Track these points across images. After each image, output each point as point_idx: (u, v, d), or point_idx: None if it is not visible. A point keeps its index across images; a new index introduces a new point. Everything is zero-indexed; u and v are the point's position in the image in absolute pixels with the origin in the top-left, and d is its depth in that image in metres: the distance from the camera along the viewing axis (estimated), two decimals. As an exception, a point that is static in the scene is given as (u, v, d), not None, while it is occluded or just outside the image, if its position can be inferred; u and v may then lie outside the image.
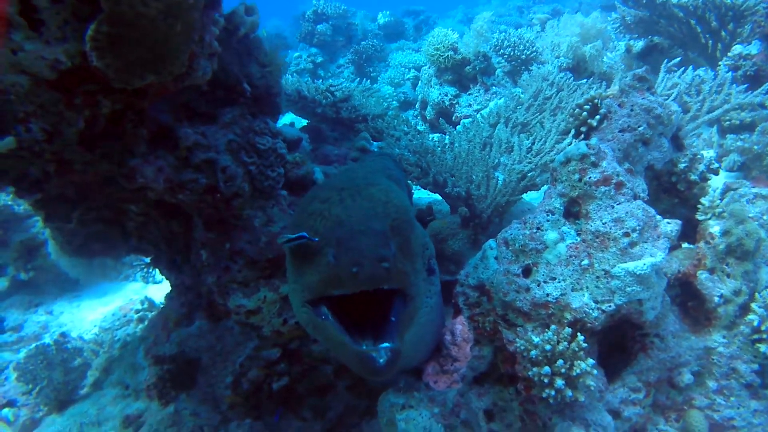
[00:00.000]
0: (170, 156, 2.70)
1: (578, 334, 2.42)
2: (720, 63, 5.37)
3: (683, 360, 2.79)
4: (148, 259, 4.23)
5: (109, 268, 4.48)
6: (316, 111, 5.26)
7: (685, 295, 2.96)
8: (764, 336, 2.70)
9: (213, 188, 2.83)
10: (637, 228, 2.52)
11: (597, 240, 2.58)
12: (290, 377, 3.32)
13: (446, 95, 7.69)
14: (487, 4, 17.21)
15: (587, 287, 2.53)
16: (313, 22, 13.22)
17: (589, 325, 2.52)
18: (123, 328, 5.41)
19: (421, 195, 5.32)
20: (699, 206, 2.99)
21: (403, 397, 2.85)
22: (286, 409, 3.43)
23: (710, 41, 5.89)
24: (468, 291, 2.93)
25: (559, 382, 2.36)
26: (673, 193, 3.21)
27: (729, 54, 5.39)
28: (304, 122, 5.79)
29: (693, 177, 3.12)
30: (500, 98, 6.88)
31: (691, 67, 4.71)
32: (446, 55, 7.62)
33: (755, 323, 2.72)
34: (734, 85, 4.51)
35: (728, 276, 2.80)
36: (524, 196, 4.18)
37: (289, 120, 5.95)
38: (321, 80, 5.65)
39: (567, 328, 2.45)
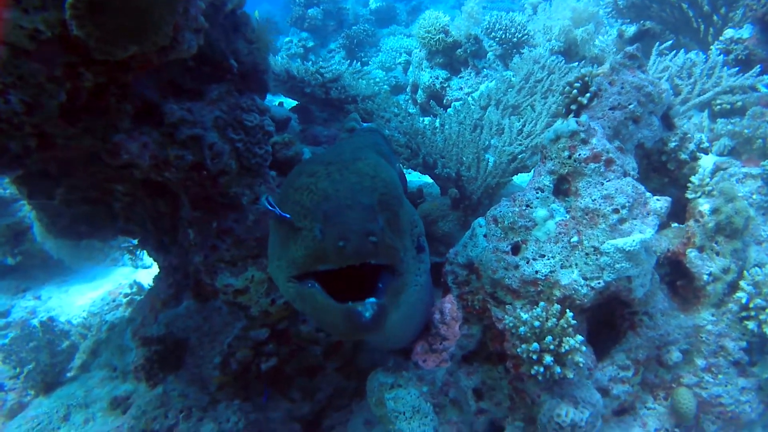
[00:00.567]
0: (155, 132, 2.65)
1: (567, 310, 2.41)
2: (712, 47, 5.35)
3: (672, 338, 2.79)
4: (135, 241, 4.19)
5: (96, 250, 4.43)
6: (305, 91, 5.20)
7: (675, 274, 2.97)
8: (752, 313, 2.70)
9: (199, 165, 2.78)
10: (627, 204, 2.51)
11: (586, 217, 2.57)
12: (279, 358, 3.31)
13: (437, 78, 7.65)
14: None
15: (576, 264, 2.53)
16: (304, 6, 13.10)
17: (578, 302, 2.51)
18: (112, 312, 5.37)
19: (412, 178, 5.30)
20: (689, 185, 2.98)
21: (392, 377, 2.85)
22: (274, 390, 3.42)
23: (702, 25, 5.86)
24: (457, 269, 2.92)
25: (548, 358, 2.35)
26: (663, 172, 3.20)
27: (721, 38, 5.36)
28: (294, 103, 5.73)
29: (683, 156, 3.11)
30: (491, 81, 6.86)
31: (683, 50, 4.69)
32: (437, 37, 7.57)
33: (743, 301, 2.73)
34: (725, 68, 4.50)
35: (717, 254, 2.80)
36: (515, 178, 4.17)
37: (278, 101, 5.88)
38: (311, 63, 5.58)
39: (556, 305, 2.44)
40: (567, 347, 2.35)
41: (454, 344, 2.89)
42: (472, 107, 4.77)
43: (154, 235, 3.50)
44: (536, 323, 2.40)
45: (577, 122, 2.65)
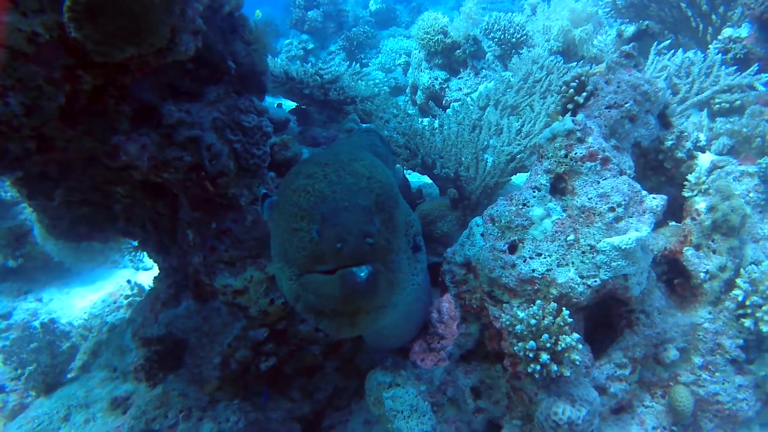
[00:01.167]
0: (154, 133, 2.67)
1: (564, 309, 2.42)
2: (710, 46, 5.36)
3: (669, 336, 2.80)
4: (136, 243, 4.20)
5: (96, 252, 4.44)
6: (303, 92, 5.21)
7: (672, 272, 2.97)
8: (749, 311, 2.71)
9: (198, 166, 2.80)
10: (623, 203, 2.52)
11: (583, 215, 2.58)
12: (278, 358, 3.32)
13: (436, 79, 7.65)
14: (479, -10, 17.09)
15: (573, 263, 2.54)
16: (304, 9, 13.10)
17: (574, 300, 2.52)
18: (112, 314, 5.39)
19: (411, 179, 5.30)
20: (685, 183, 2.99)
21: (390, 375, 2.86)
22: (274, 390, 3.43)
23: (701, 25, 5.87)
24: (455, 268, 2.93)
25: (545, 356, 2.36)
26: (660, 171, 3.21)
27: (719, 37, 5.36)
28: (293, 105, 5.74)
29: (680, 154, 3.12)
30: (490, 82, 6.86)
31: (681, 49, 4.70)
32: (436, 38, 7.57)
33: (740, 298, 2.74)
34: (724, 66, 4.51)
35: (714, 252, 2.81)
36: (513, 178, 4.17)
37: (277, 103, 5.90)
38: (310, 65, 5.59)
39: (552, 303, 2.45)
40: (563, 345, 2.36)
41: (452, 343, 2.90)
42: (471, 107, 4.79)
43: (154, 236, 3.52)
44: (533, 321, 2.41)
45: (573, 121, 2.66)
